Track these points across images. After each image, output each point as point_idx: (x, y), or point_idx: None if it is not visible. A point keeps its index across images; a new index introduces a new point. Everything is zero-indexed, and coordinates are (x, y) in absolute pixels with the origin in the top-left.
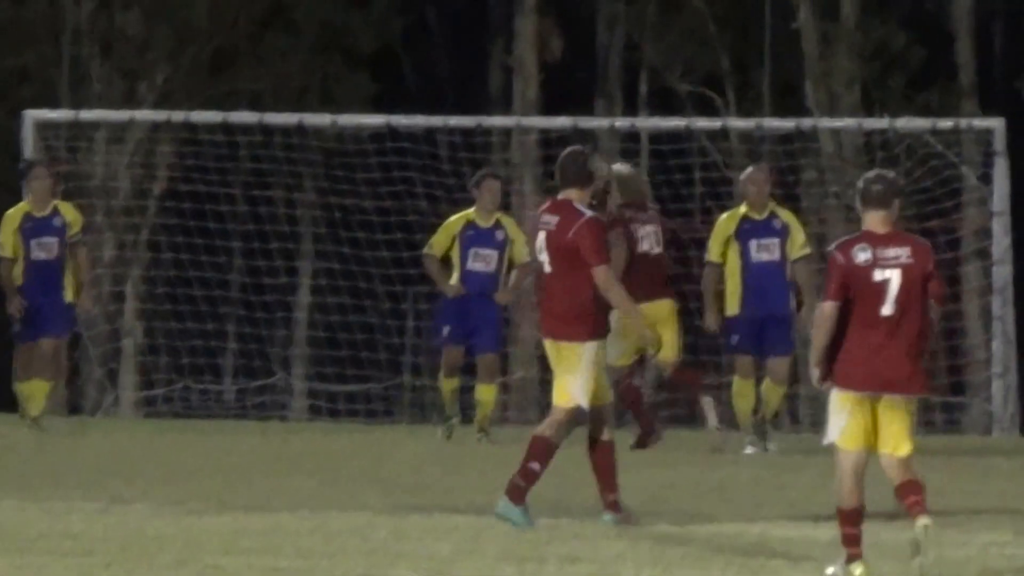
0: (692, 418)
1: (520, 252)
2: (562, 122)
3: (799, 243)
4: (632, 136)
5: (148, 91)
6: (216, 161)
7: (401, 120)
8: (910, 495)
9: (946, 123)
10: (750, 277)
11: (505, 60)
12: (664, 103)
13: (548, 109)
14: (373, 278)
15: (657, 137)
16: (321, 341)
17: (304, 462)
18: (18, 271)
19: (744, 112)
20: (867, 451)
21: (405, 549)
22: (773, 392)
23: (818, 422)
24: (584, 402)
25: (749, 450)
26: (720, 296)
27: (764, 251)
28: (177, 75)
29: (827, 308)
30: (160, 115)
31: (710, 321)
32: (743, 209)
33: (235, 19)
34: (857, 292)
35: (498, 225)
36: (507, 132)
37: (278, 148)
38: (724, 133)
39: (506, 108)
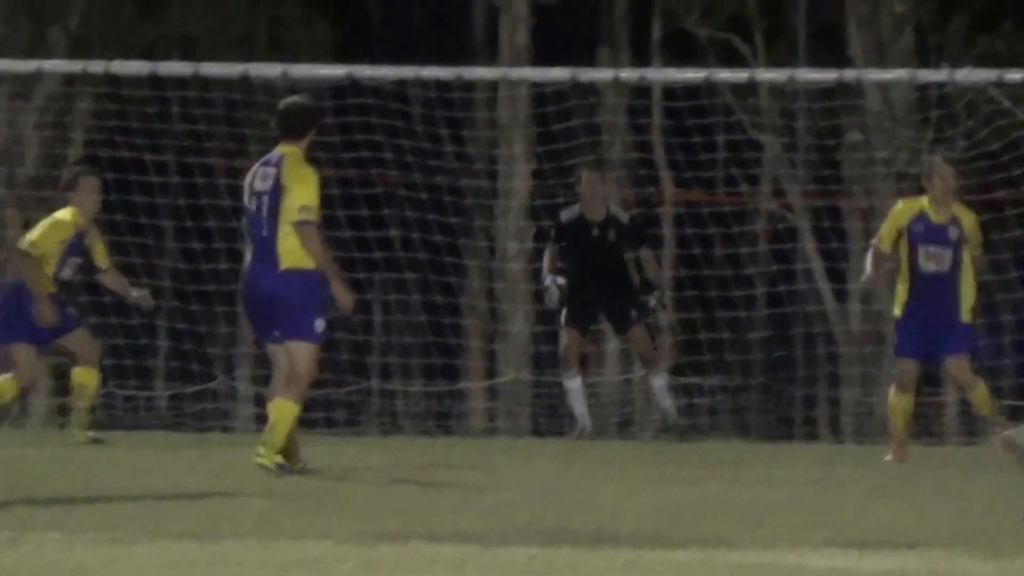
0: (718, 428)
1: None
2: (558, 74)
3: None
4: (642, 91)
5: (60, 35)
6: (143, 121)
7: (366, 71)
8: None
9: (1015, 75)
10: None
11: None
12: (680, 51)
13: (541, 58)
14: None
15: (672, 92)
16: None
17: (251, 480)
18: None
19: (775, 62)
20: None
21: None
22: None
23: (864, 431)
24: None
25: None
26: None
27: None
28: (95, 16)
29: None
30: (75, 65)
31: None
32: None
33: None
34: None
35: None
36: (493, 86)
37: (218, 105)
38: (751, 87)
39: (491, 57)
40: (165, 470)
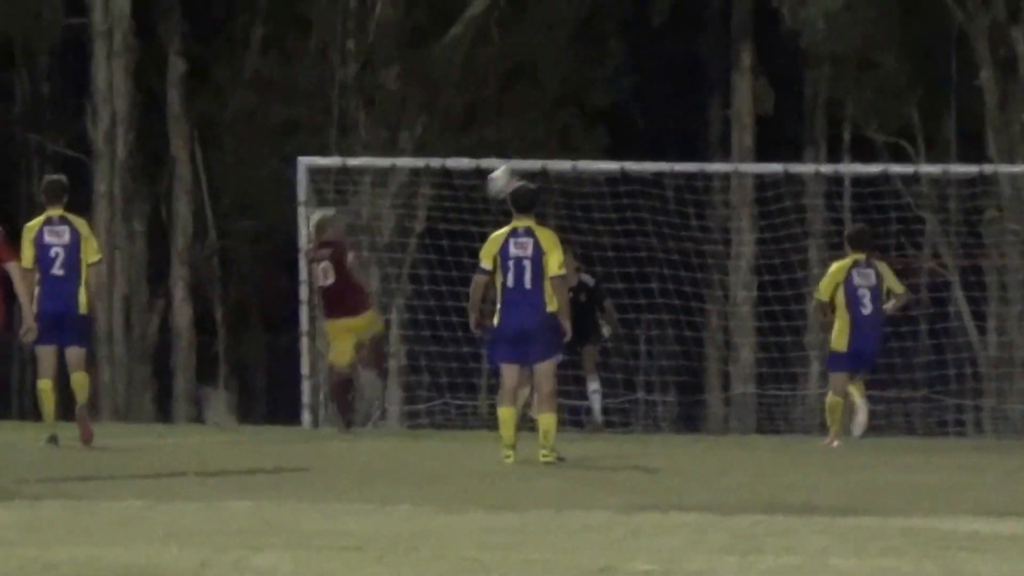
0: (892, 428)
1: None
2: (774, 168)
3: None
4: (836, 181)
5: (408, 140)
6: (469, 203)
7: (633, 166)
8: None
9: None
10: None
11: (724, 113)
12: (863, 151)
13: (762, 156)
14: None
15: (858, 181)
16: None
17: (549, 467)
18: None
19: (933, 159)
20: None
21: (641, 544)
22: None
23: (1000, 430)
24: None
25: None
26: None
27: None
28: (433, 126)
29: None
30: (418, 162)
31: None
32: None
33: (483, 76)
34: None
35: None
36: (726, 176)
37: None
38: (915, 178)
39: (725, 155)
40: (484, 459)
